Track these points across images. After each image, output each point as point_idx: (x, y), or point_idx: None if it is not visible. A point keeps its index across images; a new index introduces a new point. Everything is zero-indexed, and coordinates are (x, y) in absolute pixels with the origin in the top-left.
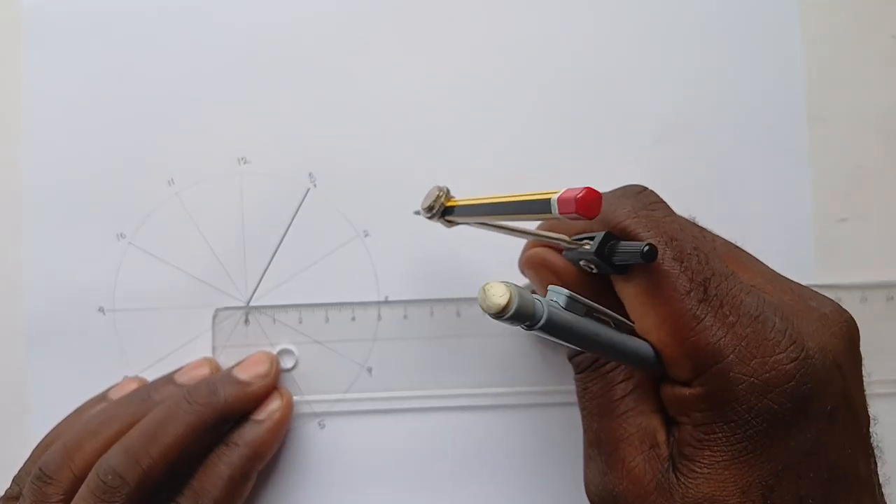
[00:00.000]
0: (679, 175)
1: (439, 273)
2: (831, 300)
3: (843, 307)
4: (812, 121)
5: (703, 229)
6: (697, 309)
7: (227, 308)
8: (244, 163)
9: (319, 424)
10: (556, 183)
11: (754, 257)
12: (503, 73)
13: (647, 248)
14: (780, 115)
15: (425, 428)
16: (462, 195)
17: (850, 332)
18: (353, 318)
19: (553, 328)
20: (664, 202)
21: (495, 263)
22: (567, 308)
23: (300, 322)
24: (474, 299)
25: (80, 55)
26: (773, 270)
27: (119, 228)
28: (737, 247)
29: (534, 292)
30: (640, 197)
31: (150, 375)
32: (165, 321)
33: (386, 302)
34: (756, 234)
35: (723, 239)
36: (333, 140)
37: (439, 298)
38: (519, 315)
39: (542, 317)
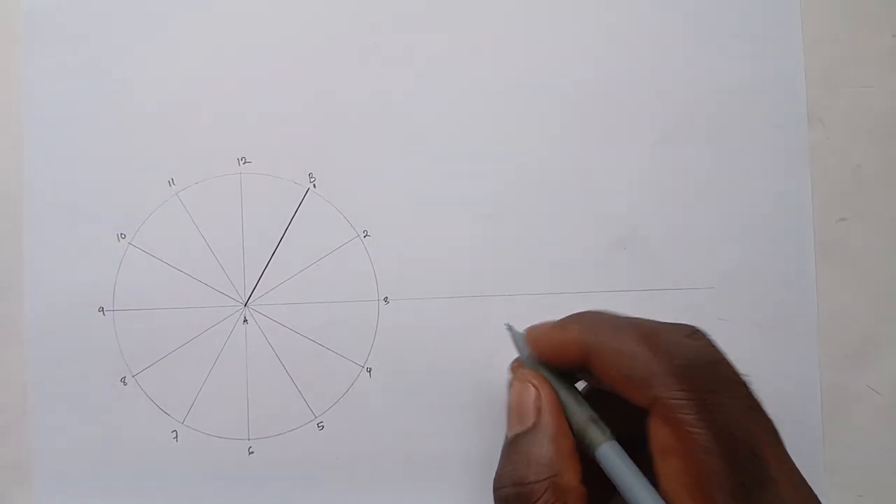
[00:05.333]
0: (679, 175)
1: (439, 273)
2: None
3: None
4: (812, 121)
5: (750, 408)
6: None
7: (226, 307)
8: (244, 163)
9: (319, 425)
10: (555, 182)
11: (785, 451)
12: (503, 75)
13: None
14: (780, 115)
15: (425, 429)
16: (463, 195)
17: None
18: (353, 319)
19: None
20: (734, 378)
21: (495, 264)
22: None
23: (299, 322)
24: (473, 299)
25: (80, 55)
26: (797, 471)
27: (119, 228)
28: (775, 433)
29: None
30: (711, 371)
31: (150, 375)
32: (165, 321)
33: (385, 302)
34: (756, 234)
35: (767, 421)
36: (333, 140)
37: (439, 298)
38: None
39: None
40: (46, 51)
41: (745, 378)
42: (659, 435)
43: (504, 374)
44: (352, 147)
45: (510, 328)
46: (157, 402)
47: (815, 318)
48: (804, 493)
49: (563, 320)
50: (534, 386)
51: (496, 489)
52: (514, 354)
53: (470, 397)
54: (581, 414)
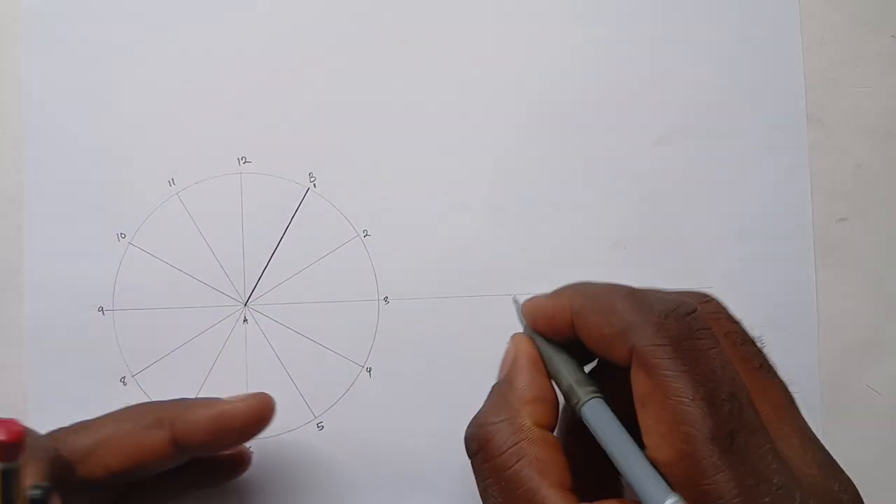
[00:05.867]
0: (679, 176)
1: (439, 273)
2: (852, 485)
3: (861, 496)
4: (812, 121)
5: (758, 368)
6: (718, 458)
7: (226, 307)
8: (244, 163)
9: (319, 425)
10: (555, 182)
11: (798, 412)
12: (504, 74)
13: None
14: (780, 115)
15: (425, 429)
16: (463, 195)
17: None
18: (353, 318)
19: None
20: (712, 330)
21: (495, 264)
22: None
23: (299, 322)
24: (473, 299)
25: (80, 55)
26: (812, 434)
27: (119, 228)
28: (787, 395)
29: None
30: (688, 321)
31: (150, 375)
32: (165, 321)
33: (385, 302)
34: (756, 234)
35: (779, 382)
36: (333, 140)
37: (439, 298)
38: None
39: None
40: (46, 51)
41: (747, 334)
42: (638, 385)
43: None
44: (352, 147)
45: (515, 301)
46: None
47: (815, 318)
48: (803, 440)
49: (555, 291)
50: (517, 345)
51: (465, 431)
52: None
53: (470, 397)
54: (568, 376)
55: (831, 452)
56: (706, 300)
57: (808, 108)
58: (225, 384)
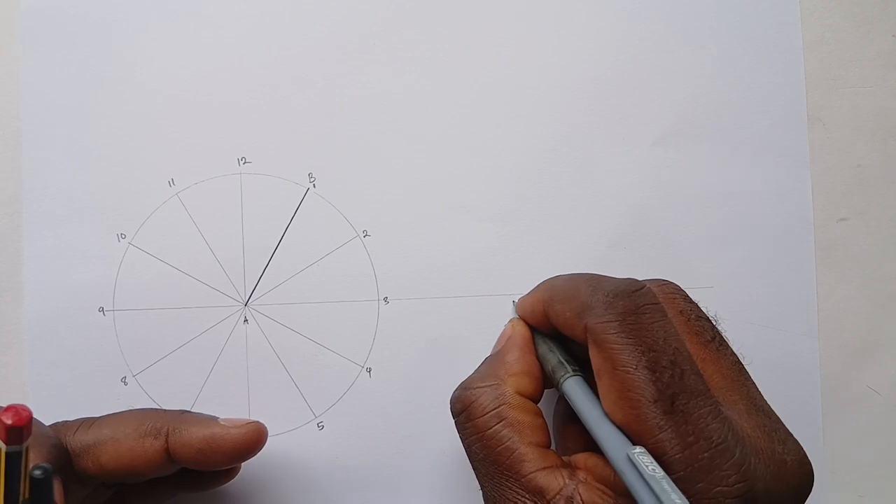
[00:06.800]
0: (679, 176)
1: (439, 273)
2: (799, 447)
3: (808, 458)
4: (812, 121)
5: (710, 341)
6: (661, 419)
7: (227, 307)
8: (244, 163)
9: (319, 425)
10: (555, 182)
11: (751, 382)
12: (503, 75)
13: None
14: (780, 115)
15: (425, 429)
16: (463, 195)
17: (803, 486)
18: (353, 319)
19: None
20: (658, 305)
21: (495, 264)
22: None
23: (299, 322)
24: (473, 299)
25: (79, 55)
26: (761, 401)
27: (119, 228)
28: (737, 365)
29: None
30: (633, 297)
31: (150, 375)
32: (166, 321)
33: (385, 302)
34: (756, 234)
35: (730, 355)
36: (333, 140)
37: (439, 298)
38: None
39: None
40: (46, 51)
41: (701, 312)
42: (593, 358)
43: None
44: (352, 147)
45: (514, 303)
46: (158, 402)
47: (815, 318)
48: (748, 406)
49: (534, 287)
50: (514, 326)
51: (452, 394)
52: None
53: None
54: (553, 358)
55: (831, 452)
56: (663, 283)
57: (808, 108)
58: (225, 384)
